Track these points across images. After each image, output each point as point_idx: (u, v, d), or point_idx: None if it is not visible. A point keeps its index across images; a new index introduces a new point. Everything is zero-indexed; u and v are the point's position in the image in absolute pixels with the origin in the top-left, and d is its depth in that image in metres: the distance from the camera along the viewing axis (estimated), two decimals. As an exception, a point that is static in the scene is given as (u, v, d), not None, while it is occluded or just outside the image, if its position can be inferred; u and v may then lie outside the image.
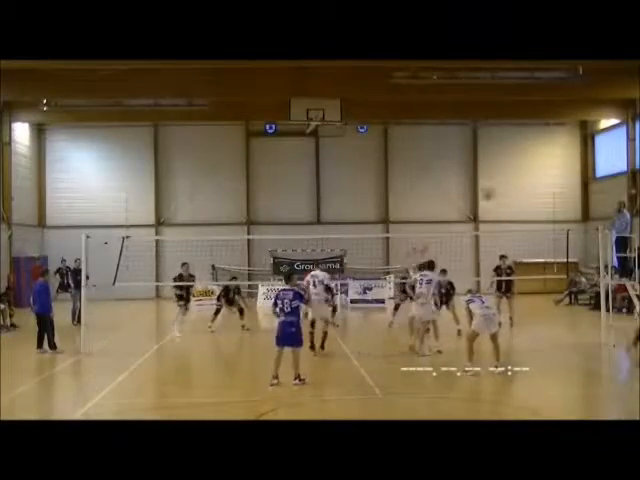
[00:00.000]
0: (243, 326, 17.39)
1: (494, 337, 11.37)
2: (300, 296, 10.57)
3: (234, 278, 20.31)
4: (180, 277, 17.01)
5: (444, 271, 15.77)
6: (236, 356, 15.26)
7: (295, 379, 10.42)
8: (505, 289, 17.69)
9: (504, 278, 17.58)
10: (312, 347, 13.22)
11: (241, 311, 17.76)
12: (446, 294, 15.56)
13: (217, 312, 17.90)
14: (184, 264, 17.09)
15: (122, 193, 28.78)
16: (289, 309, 10.34)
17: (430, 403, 9.61)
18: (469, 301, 11.51)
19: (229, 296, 17.90)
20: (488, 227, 28.74)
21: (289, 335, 10.38)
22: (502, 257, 18.09)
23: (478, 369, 11.03)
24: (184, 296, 17.08)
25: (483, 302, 11.45)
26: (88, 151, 29.64)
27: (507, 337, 15.04)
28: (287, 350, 10.47)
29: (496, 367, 11.08)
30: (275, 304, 10.57)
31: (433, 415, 8.55)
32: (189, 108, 24.90)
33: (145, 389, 11.25)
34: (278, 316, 10.45)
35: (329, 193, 29.76)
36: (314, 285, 13.61)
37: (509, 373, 10.92)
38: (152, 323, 22.67)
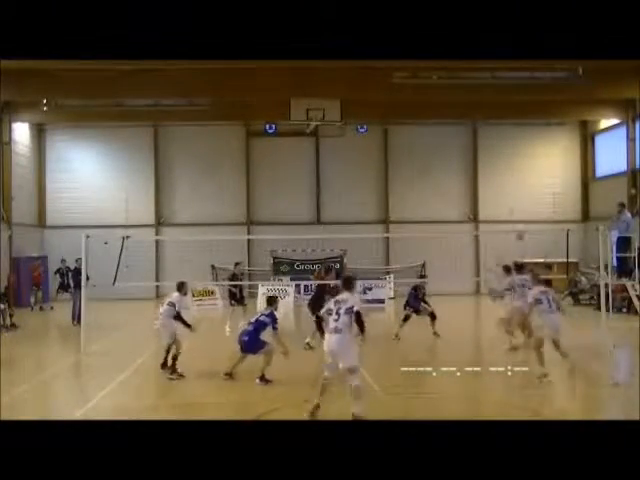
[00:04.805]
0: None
1: (556, 343, 10.84)
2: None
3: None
4: (234, 276, 17.26)
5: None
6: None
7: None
8: None
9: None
10: None
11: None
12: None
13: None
14: (237, 264, 17.33)
15: (122, 193, 28.82)
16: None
17: (430, 403, 9.59)
18: (538, 301, 10.77)
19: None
20: (488, 227, 28.75)
21: None
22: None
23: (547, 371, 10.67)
24: (236, 295, 17.07)
25: (551, 306, 10.73)
26: (88, 151, 29.61)
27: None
28: None
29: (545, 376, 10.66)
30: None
31: (433, 415, 8.54)
32: (189, 108, 24.87)
33: (145, 389, 11.24)
34: None
35: (329, 193, 29.74)
36: None
37: (509, 373, 10.89)
38: (152, 323, 22.64)
